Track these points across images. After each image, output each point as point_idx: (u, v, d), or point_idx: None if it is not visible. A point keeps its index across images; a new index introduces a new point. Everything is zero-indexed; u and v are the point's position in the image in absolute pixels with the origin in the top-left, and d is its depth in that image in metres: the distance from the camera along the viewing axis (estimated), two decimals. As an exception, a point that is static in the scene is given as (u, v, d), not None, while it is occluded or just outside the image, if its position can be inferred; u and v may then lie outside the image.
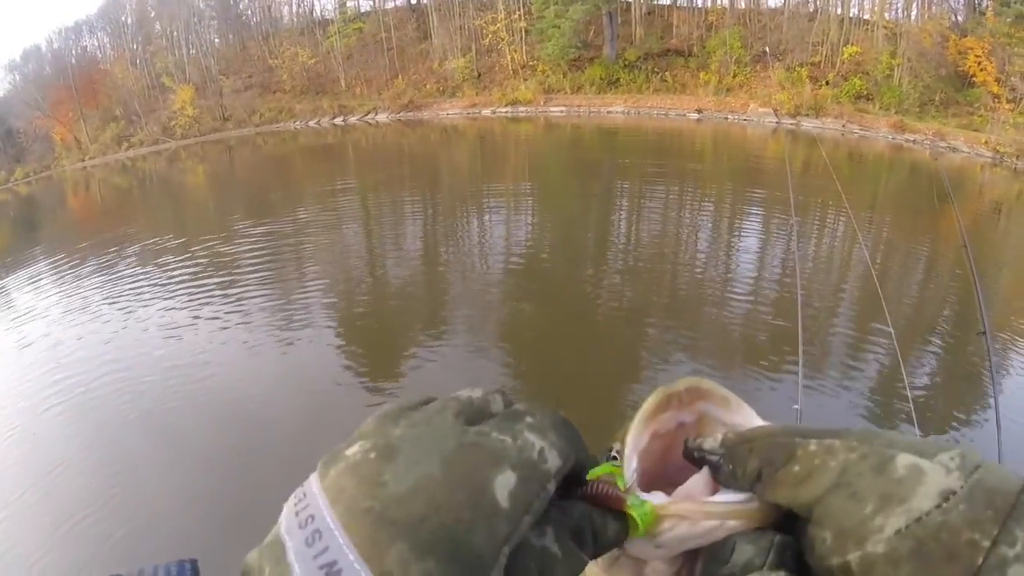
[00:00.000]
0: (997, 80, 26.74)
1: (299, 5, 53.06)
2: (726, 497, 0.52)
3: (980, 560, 0.37)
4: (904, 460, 0.42)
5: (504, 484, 0.40)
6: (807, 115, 30.38)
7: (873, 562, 0.40)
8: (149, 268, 16.00)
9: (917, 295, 12.11)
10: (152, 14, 54.09)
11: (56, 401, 10.05)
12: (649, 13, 42.12)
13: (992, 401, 4.51)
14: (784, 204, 14.32)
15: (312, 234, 17.78)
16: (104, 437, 8.92)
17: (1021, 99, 25.23)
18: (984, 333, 4.59)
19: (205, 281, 14.27)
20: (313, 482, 0.41)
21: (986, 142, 23.83)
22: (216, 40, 54.49)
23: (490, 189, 21.74)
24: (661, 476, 0.58)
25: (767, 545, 0.49)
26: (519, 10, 43.94)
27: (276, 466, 7.36)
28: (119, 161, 46.05)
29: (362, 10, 50.95)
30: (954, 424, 7.62)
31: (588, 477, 0.52)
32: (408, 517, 0.38)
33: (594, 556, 0.50)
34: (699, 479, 0.54)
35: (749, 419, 0.56)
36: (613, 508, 0.50)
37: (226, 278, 14.34)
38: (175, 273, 15.17)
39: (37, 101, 50.23)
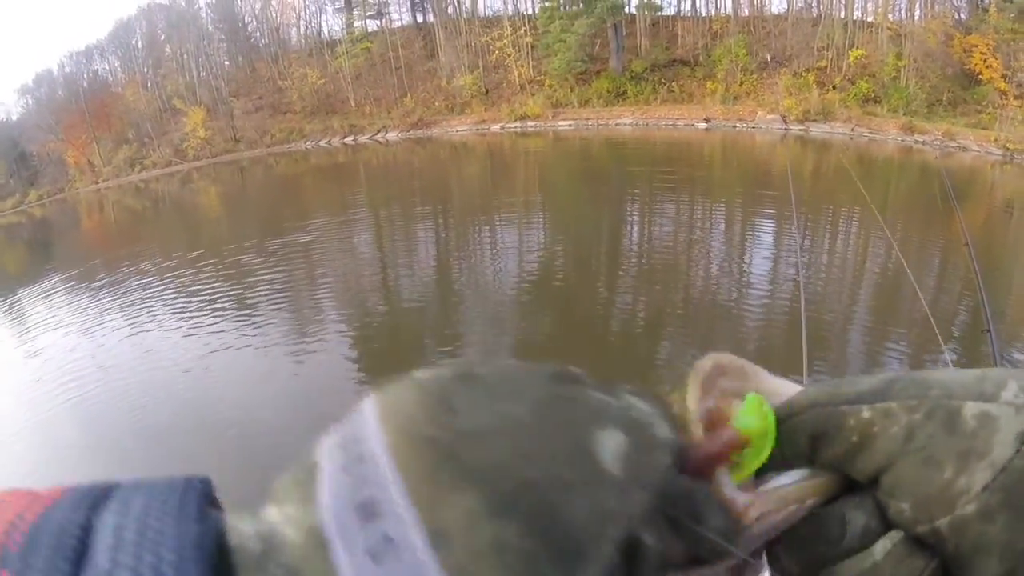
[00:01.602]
0: (1003, 76, 26.73)
1: (307, 26, 53.45)
2: (786, 477, 0.46)
3: None
4: (971, 410, 0.39)
5: (611, 445, 0.34)
6: (815, 120, 30.29)
7: (966, 522, 0.38)
8: (163, 287, 16.05)
9: (925, 295, 12.02)
10: (162, 37, 54.50)
11: (62, 417, 10.08)
12: (654, 24, 42.19)
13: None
14: (791, 213, 14.34)
15: (325, 252, 17.82)
16: (110, 454, 8.94)
17: (1029, 95, 25.15)
18: (988, 331, 4.55)
19: (218, 300, 14.27)
20: (367, 401, 0.34)
21: (995, 140, 23.73)
22: (226, 62, 54.79)
23: (501, 203, 21.65)
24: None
25: (873, 506, 0.43)
26: (524, 25, 44.09)
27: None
28: (132, 183, 46.26)
29: (369, 30, 51.22)
30: None
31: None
32: (484, 461, 0.30)
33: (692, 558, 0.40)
34: (748, 492, 0.46)
35: (768, 383, 0.50)
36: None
37: (239, 298, 14.33)
38: (188, 292, 15.22)
39: (50, 125, 50.62)
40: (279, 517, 0.31)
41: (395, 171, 34.45)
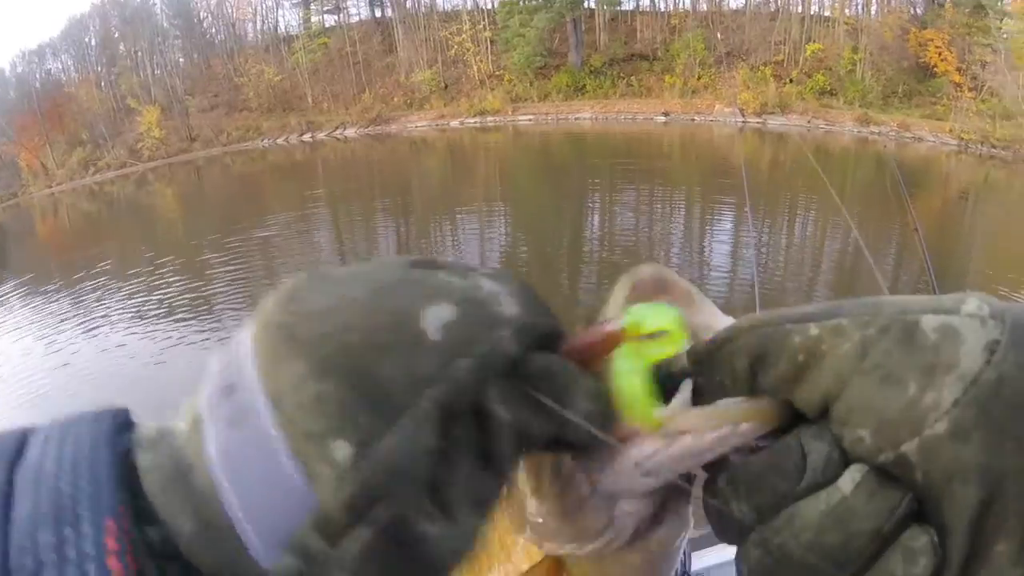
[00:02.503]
0: (958, 69, 27.00)
1: (263, 22, 52.56)
2: (723, 403, 0.41)
3: None
4: (931, 322, 0.36)
5: (438, 316, 0.35)
6: (772, 113, 30.52)
7: (936, 444, 0.34)
8: (119, 291, 15.73)
9: (878, 283, 12.04)
10: (116, 34, 53.36)
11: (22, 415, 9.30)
12: (613, 19, 42.15)
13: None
14: (752, 199, 14.41)
15: (284, 250, 17.74)
16: None
17: (982, 87, 25.41)
18: None
19: (178, 303, 14.06)
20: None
21: (950, 130, 24.08)
22: (181, 59, 53.79)
23: (461, 198, 21.62)
24: None
25: (831, 436, 0.38)
26: (484, 20, 43.91)
27: None
28: (86, 186, 45.30)
29: (327, 25, 50.60)
30: None
31: None
32: (313, 334, 0.34)
33: (556, 440, 0.40)
34: (684, 395, 0.42)
35: (714, 318, 0.48)
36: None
37: (199, 300, 14.16)
38: (145, 293, 15.02)
39: (2, 127, 49.57)
40: (180, 417, 0.36)
41: (354, 168, 34.19)
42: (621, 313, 0.44)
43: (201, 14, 54.13)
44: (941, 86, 27.46)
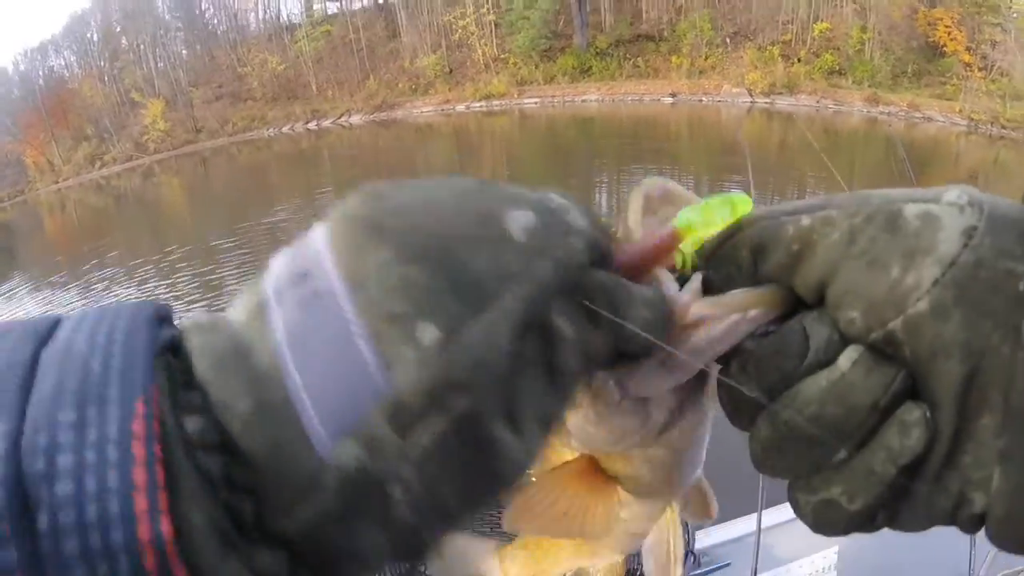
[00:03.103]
0: (968, 49, 26.89)
1: (265, 11, 52.47)
2: (730, 295, 0.44)
3: (1022, 285, 0.36)
4: (913, 210, 0.39)
5: (519, 219, 0.37)
6: (781, 93, 30.47)
7: (919, 322, 0.37)
8: (129, 285, 16.00)
9: None
10: (118, 29, 53.40)
11: None
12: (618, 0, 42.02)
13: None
14: (760, 183, 14.47)
15: (292, 238, 17.65)
16: None
17: (992, 67, 25.34)
18: None
19: (187, 294, 14.22)
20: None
21: (960, 110, 24.08)
22: (184, 51, 53.83)
23: None
24: None
25: (831, 320, 0.42)
26: (487, 3, 43.65)
27: None
28: (93, 181, 45.54)
29: (329, 12, 50.50)
30: None
31: None
32: (402, 224, 0.35)
33: (617, 354, 0.41)
34: (694, 285, 0.46)
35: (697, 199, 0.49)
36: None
37: (208, 292, 14.26)
38: (155, 288, 15.20)
39: (7, 125, 49.69)
40: (231, 310, 0.36)
41: (360, 155, 34.26)
42: (664, 219, 0.47)
43: (203, 5, 54.08)
44: (951, 66, 27.34)
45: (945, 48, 27.68)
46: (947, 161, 20.70)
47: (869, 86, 28.34)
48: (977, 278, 0.36)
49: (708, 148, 24.40)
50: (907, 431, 0.38)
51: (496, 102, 40.24)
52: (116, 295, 15.29)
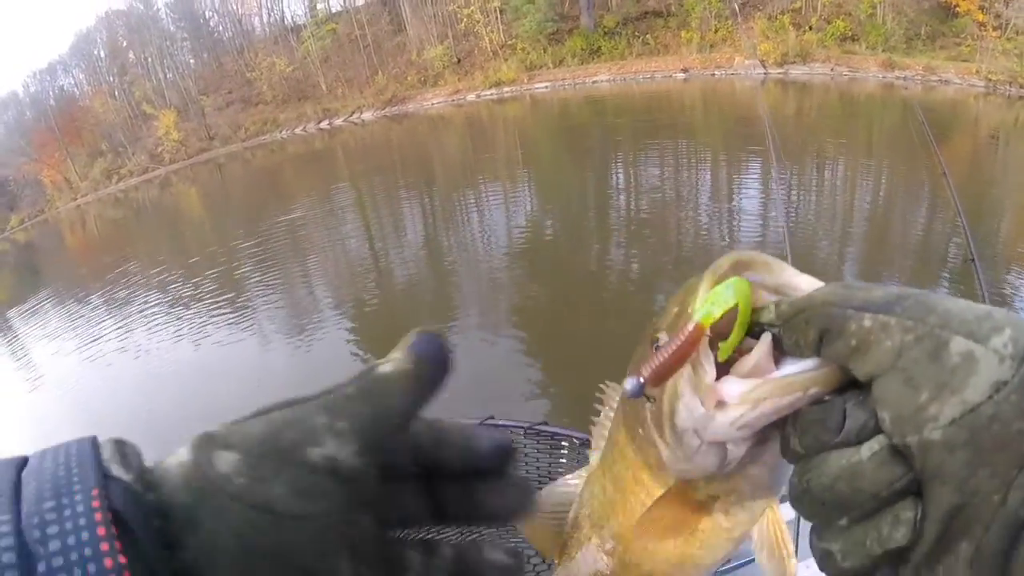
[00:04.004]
0: (981, 8, 26.57)
1: (269, 14, 52.97)
2: (797, 366, 0.54)
3: None
4: (958, 346, 0.43)
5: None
6: (794, 63, 30.28)
7: (930, 447, 0.43)
8: (153, 293, 16.43)
9: (908, 230, 12.31)
10: (124, 43, 54.00)
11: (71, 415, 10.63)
12: (623, -24, 41.63)
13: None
14: (779, 150, 14.45)
15: (312, 239, 18.16)
16: None
17: (1007, 25, 25.12)
18: (973, 260, 4.66)
19: (210, 300, 14.61)
20: None
21: (977, 71, 23.75)
22: (191, 60, 54.50)
23: (484, 173, 21.87)
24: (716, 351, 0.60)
25: (873, 406, 0.49)
26: (491, -10, 43.59)
27: None
28: (111, 195, 46.27)
29: (333, 10, 50.77)
30: None
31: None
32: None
33: None
34: (763, 348, 0.56)
35: (793, 279, 0.58)
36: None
37: (230, 295, 14.68)
38: (179, 295, 15.62)
39: (22, 147, 50.56)
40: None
41: (374, 151, 34.53)
42: (692, 308, 0.58)
43: (206, 14, 54.58)
44: (965, 26, 26.96)
45: (958, 8, 27.36)
46: (967, 123, 20.60)
47: (883, 51, 28.04)
48: (990, 430, 0.41)
49: (724, 121, 24.39)
50: (897, 525, 0.46)
51: (506, 89, 40.15)
52: (141, 301, 15.86)
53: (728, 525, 0.68)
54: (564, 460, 1.92)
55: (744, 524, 0.69)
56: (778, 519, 0.70)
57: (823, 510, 0.51)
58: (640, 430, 0.67)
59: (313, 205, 22.62)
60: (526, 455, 1.92)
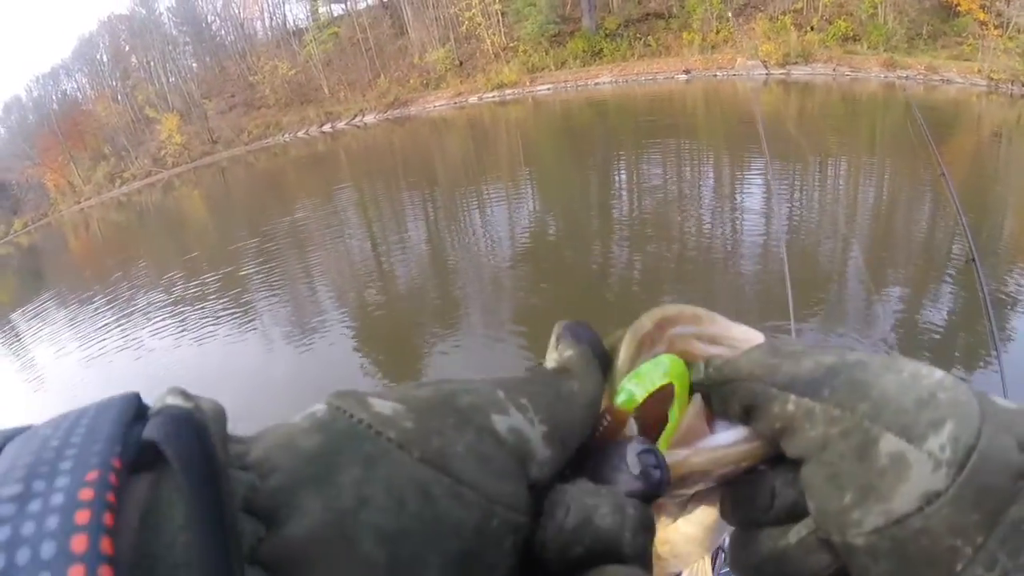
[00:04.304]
0: (982, 7, 26.59)
1: (271, 18, 53.22)
2: (728, 435, 0.52)
3: (960, 567, 0.36)
4: (888, 445, 0.39)
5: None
6: (796, 63, 30.41)
7: (852, 550, 0.40)
8: (156, 295, 16.58)
9: (909, 230, 12.31)
10: (126, 48, 54.26)
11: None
12: (624, -22, 41.76)
13: (987, 323, 4.37)
14: (779, 156, 14.48)
15: (315, 240, 18.25)
16: None
17: (1008, 23, 25.19)
18: (973, 260, 4.61)
19: (213, 301, 14.74)
20: None
21: (979, 70, 23.83)
22: (194, 64, 54.77)
23: (487, 175, 22.00)
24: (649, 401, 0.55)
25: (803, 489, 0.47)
26: (492, -8, 43.75)
27: None
28: (114, 198, 46.57)
29: (335, 14, 51.05)
30: (956, 351, 7.94)
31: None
32: None
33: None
34: (694, 408, 0.54)
35: (727, 330, 0.57)
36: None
37: (233, 296, 14.83)
38: (182, 296, 15.77)
39: (25, 151, 50.89)
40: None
41: (376, 154, 34.70)
42: (619, 388, 0.53)
43: (208, 18, 54.78)
44: (966, 25, 27.01)
45: (959, 7, 27.36)
46: (969, 122, 20.65)
47: (885, 50, 28.10)
48: (917, 543, 0.37)
49: (726, 122, 24.39)
50: None
51: (508, 91, 40.33)
52: (144, 302, 16.05)
53: (659, 564, 0.68)
54: None
55: (676, 566, 0.70)
56: (706, 569, 0.74)
57: None
58: None
59: (316, 207, 22.67)
60: None
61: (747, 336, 0.55)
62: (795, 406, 0.43)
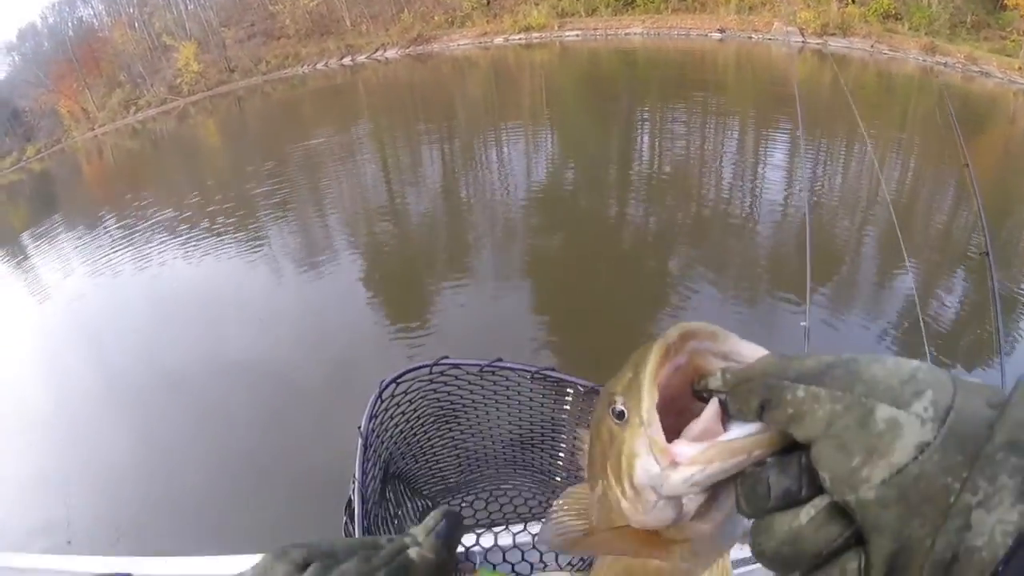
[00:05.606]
0: (1032, 2, 26.37)
1: (294, -55, 52.53)
2: (741, 430, 0.61)
3: (952, 499, 0.46)
4: (883, 413, 0.50)
5: None
6: (834, 34, 30.44)
7: (866, 504, 0.49)
8: (168, 222, 17.05)
9: (930, 219, 12.59)
10: (144, -28, 53.90)
11: (79, 359, 11.16)
12: (663, -75, 41.14)
13: (994, 318, 4.72)
14: (809, 128, 14.66)
15: (329, 174, 18.80)
16: (127, 395, 9.76)
17: (1057, 24, 25.08)
18: (987, 254, 4.92)
19: (225, 236, 15.16)
20: None
21: (1020, 68, 24.06)
22: (213, -9, 54.35)
23: (507, 119, 22.30)
24: (668, 411, 0.66)
25: (797, 471, 0.56)
26: (525, -71, 43.00)
27: (302, 420, 8.02)
28: (129, 125, 46.82)
29: (360, -56, 50.40)
30: (961, 344, 8.38)
31: None
32: None
33: None
34: (711, 412, 0.64)
35: (737, 347, 0.66)
36: None
37: (246, 231, 15.22)
38: (194, 226, 16.24)
39: (39, 78, 51.02)
40: None
41: (396, 90, 34.88)
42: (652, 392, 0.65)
43: (230, -57, 54.04)
44: (1011, 20, 26.97)
45: (1007, 1, 27.41)
46: (1002, 118, 20.92)
47: (926, 34, 28.17)
48: (917, 487, 0.47)
49: (756, 86, 24.63)
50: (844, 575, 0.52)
51: (535, 34, 40.25)
52: (154, 227, 16.67)
53: (684, 566, 0.77)
54: (568, 407, 2.03)
55: (698, 566, 0.79)
56: (726, 566, 0.82)
57: (777, 567, 0.58)
58: (603, 482, 0.76)
59: (331, 140, 23.15)
60: (531, 400, 2.06)
61: (755, 352, 0.65)
62: (804, 392, 0.54)
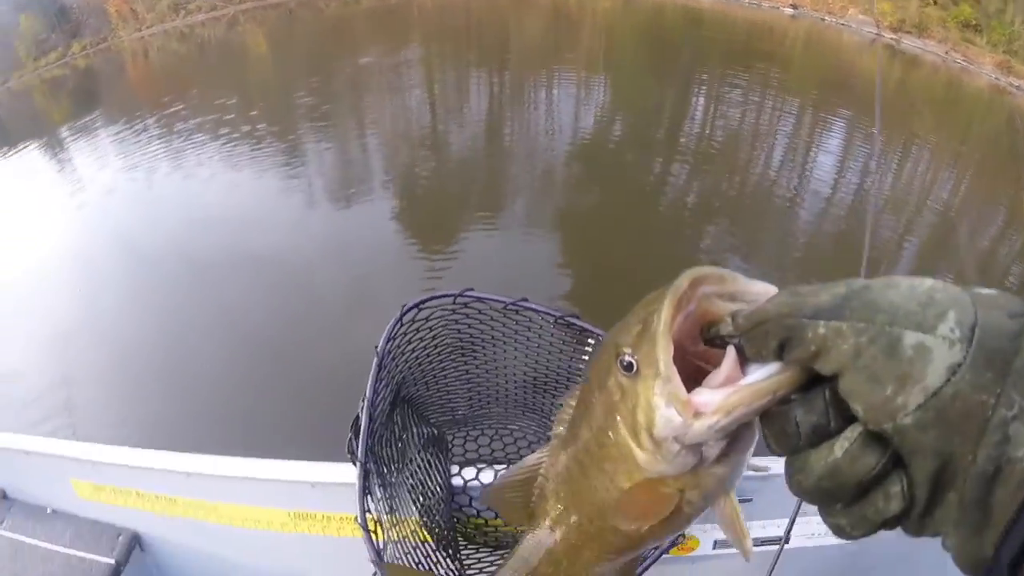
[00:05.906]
0: (1121, 41, 25.46)
1: None
2: (762, 371, 0.62)
3: (989, 413, 0.48)
4: (910, 339, 0.50)
5: None
6: (910, 32, 29.49)
7: (904, 430, 0.50)
8: (207, 130, 16.81)
9: (978, 238, 12.40)
10: None
11: (107, 264, 11.17)
12: None
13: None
14: (869, 123, 14.23)
15: (374, 98, 18.64)
16: (155, 300, 9.80)
17: None
18: None
19: (263, 144, 15.11)
20: None
21: (1098, 108, 23.17)
22: None
23: (561, 63, 21.84)
24: (684, 361, 0.68)
25: (823, 406, 0.57)
26: None
27: (322, 335, 8.24)
28: (177, 28, 46.35)
29: None
30: None
31: None
32: None
33: None
34: (730, 359, 0.65)
35: (745, 287, 0.67)
36: None
37: (284, 142, 15.15)
38: (233, 135, 16.04)
39: (87, -25, 50.48)
40: None
41: (451, 14, 34.28)
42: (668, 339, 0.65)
43: None
44: None
45: (1094, 35, 26.19)
46: None
47: (1004, 52, 27.10)
48: (954, 406, 0.48)
49: (822, 70, 24.15)
50: (889, 499, 0.55)
51: (603, -22, 39.05)
52: (194, 132, 16.44)
53: (689, 511, 0.78)
54: (587, 357, 2.09)
55: (701, 509, 0.80)
56: (734, 503, 0.82)
57: (818, 500, 0.61)
58: (611, 435, 0.76)
59: (381, 62, 22.74)
60: (551, 344, 2.12)
61: (765, 290, 0.66)
62: (825, 328, 0.55)
